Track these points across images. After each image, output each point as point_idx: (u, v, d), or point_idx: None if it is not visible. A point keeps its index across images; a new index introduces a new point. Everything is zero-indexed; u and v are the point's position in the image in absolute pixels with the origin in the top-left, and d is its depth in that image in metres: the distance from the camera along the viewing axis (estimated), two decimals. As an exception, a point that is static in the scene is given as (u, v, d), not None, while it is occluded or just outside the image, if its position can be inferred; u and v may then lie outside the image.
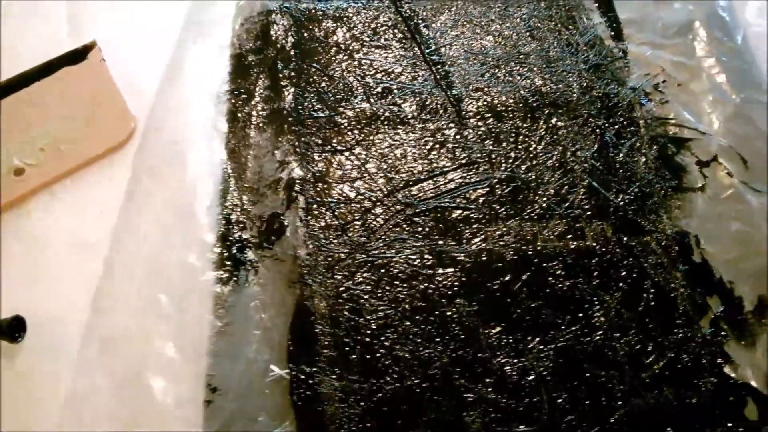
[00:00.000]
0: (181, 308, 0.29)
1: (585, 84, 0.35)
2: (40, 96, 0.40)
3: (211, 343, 0.28)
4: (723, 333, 0.29)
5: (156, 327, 0.29)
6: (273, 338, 0.28)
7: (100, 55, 0.37)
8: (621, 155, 0.33)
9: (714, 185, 0.33)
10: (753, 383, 0.28)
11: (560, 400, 0.27)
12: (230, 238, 0.30)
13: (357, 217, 0.31)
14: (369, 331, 0.28)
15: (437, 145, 0.33)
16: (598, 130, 0.34)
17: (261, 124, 0.33)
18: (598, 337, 0.29)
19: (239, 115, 0.34)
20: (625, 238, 0.31)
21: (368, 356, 0.27)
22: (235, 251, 0.30)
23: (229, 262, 0.30)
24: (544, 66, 0.36)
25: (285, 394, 0.27)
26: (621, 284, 0.30)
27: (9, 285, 0.30)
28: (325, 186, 0.32)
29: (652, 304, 0.29)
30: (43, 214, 0.34)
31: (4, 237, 0.32)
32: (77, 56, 0.38)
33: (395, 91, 0.34)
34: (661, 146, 0.34)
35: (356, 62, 0.35)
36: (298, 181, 0.32)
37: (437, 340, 0.28)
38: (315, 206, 0.31)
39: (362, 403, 0.27)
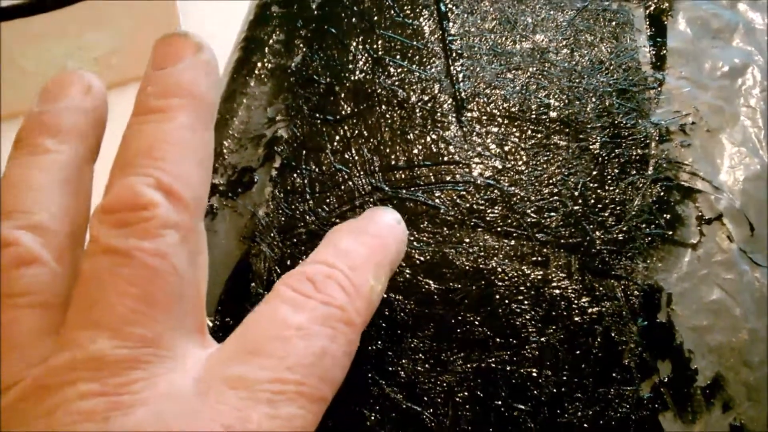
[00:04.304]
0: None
1: (603, 107, 0.33)
2: (102, 6, 0.42)
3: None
4: (663, 402, 0.27)
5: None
6: (208, 284, 0.29)
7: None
8: (617, 190, 0.31)
9: (708, 246, 0.30)
10: (674, 462, 0.26)
11: (465, 418, 0.27)
12: (200, 180, 0.31)
13: (325, 190, 0.31)
14: (298, 302, 0.28)
15: (427, 137, 0.32)
16: (600, 159, 0.32)
17: (263, 76, 0.34)
18: (524, 369, 0.27)
19: (246, 63, 0.34)
20: (589, 277, 0.29)
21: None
22: (200, 194, 0.31)
23: (189, 203, 0.31)
24: (566, 80, 0.34)
25: (205, 340, 0.28)
26: (568, 322, 0.28)
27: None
28: (304, 152, 0.32)
29: (595, 351, 0.28)
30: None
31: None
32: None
33: (403, 73, 0.34)
34: (665, 191, 0.31)
35: (375, 35, 0.34)
36: (281, 142, 0.32)
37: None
38: (288, 170, 0.31)
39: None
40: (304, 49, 0.34)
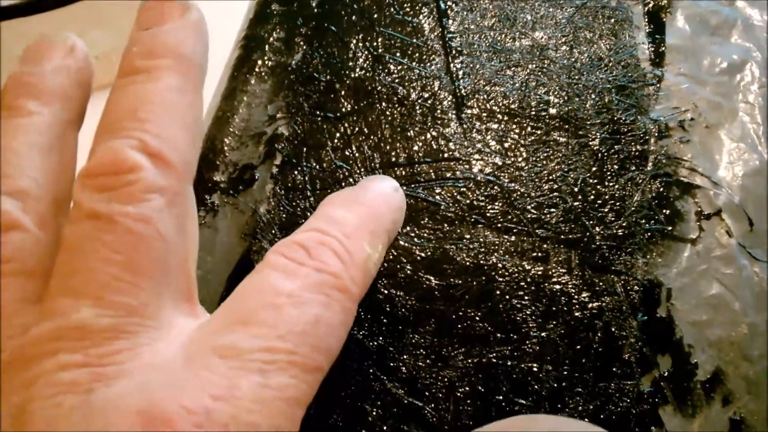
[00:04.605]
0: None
1: (602, 104, 0.33)
2: (103, 5, 0.42)
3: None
4: (663, 396, 0.27)
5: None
6: (210, 281, 0.29)
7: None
8: (616, 186, 0.31)
9: (708, 241, 0.30)
10: (674, 455, 0.26)
11: (466, 413, 0.27)
12: (201, 176, 0.31)
13: (325, 186, 0.31)
14: (299, 299, 0.28)
15: (427, 134, 0.32)
16: (599, 155, 0.32)
17: (263, 74, 0.34)
18: (525, 364, 0.28)
19: (247, 61, 0.34)
20: (589, 272, 0.29)
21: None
22: (201, 190, 0.31)
23: (191, 200, 0.31)
24: (565, 77, 0.34)
25: (207, 337, 0.28)
26: (568, 317, 0.28)
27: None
28: (305, 149, 0.32)
29: (595, 345, 0.28)
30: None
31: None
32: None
33: (403, 71, 0.34)
34: (664, 186, 0.31)
35: (375, 33, 0.35)
36: (281, 139, 0.32)
37: (364, 323, 0.28)
38: (289, 167, 0.31)
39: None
40: (305, 47, 0.34)
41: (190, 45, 0.19)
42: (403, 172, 0.31)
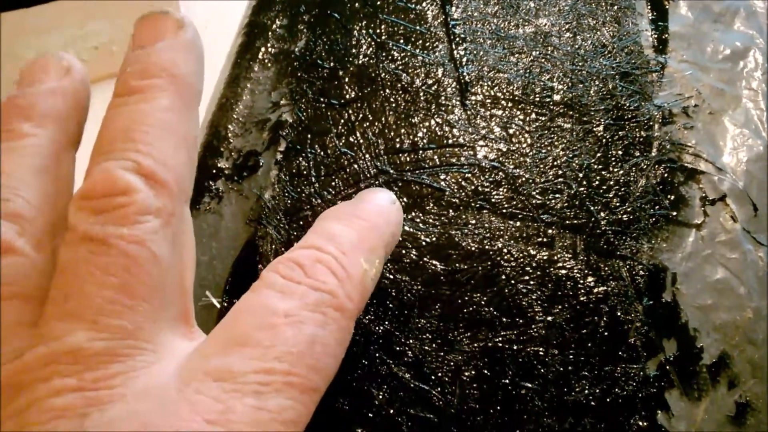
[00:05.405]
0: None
1: (606, 90, 0.33)
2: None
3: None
4: (669, 379, 0.27)
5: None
6: (216, 267, 0.29)
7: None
8: (621, 172, 0.31)
9: (713, 226, 0.30)
10: (680, 437, 0.26)
11: (472, 397, 0.27)
12: (206, 162, 0.31)
13: (330, 173, 0.31)
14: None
15: (431, 120, 0.32)
16: (604, 141, 0.32)
17: (266, 61, 0.34)
18: (531, 348, 0.28)
19: (250, 48, 0.34)
20: (594, 257, 0.29)
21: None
22: (205, 176, 0.31)
23: (195, 185, 0.31)
24: (569, 63, 0.34)
25: (212, 321, 0.28)
26: (574, 302, 0.28)
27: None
28: (309, 136, 0.32)
29: (601, 329, 0.28)
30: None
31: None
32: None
33: (407, 58, 0.34)
34: (669, 172, 0.31)
35: (378, 20, 0.35)
36: (285, 126, 0.32)
37: (370, 308, 0.28)
38: (294, 153, 0.31)
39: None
40: (308, 34, 0.34)
41: (183, 64, 0.19)
42: (408, 158, 0.31)
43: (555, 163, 0.31)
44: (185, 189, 0.18)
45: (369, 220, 0.21)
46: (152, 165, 0.17)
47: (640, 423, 0.27)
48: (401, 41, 0.34)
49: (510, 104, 0.33)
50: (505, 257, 0.29)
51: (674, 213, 0.31)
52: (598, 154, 0.32)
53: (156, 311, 0.16)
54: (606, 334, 0.28)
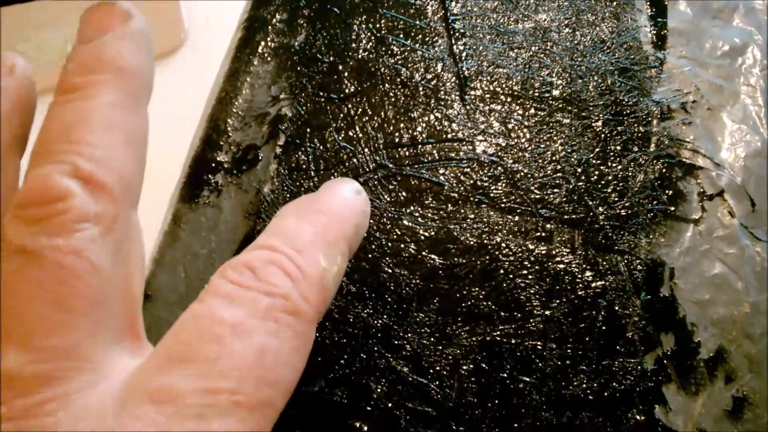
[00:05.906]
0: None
1: (605, 86, 0.33)
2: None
3: (156, 251, 0.29)
4: (666, 374, 0.28)
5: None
6: (214, 260, 0.29)
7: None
8: (619, 167, 0.31)
9: (710, 221, 0.31)
10: None
11: (470, 390, 0.27)
12: (205, 156, 0.31)
13: (329, 167, 0.31)
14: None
15: (430, 115, 0.32)
16: (602, 136, 0.32)
17: (266, 55, 0.34)
18: (529, 342, 0.28)
19: (249, 42, 0.34)
20: (592, 252, 0.29)
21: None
22: (204, 169, 0.31)
23: (194, 178, 0.31)
24: (568, 59, 0.34)
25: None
26: (572, 296, 0.29)
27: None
28: (309, 130, 0.32)
29: (599, 324, 0.28)
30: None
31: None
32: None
33: (406, 52, 0.34)
34: (667, 167, 0.31)
35: (377, 15, 0.35)
36: (285, 120, 0.32)
37: (369, 302, 0.28)
38: (293, 147, 0.31)
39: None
40: (308, 28, 0.34)
41: (130, 56, 0.17)
42: (407, 153, 0.31)
43: (554, 158, 0.31)
44: (131, 191, 0.17)
45: (330, 213, 0.19)
46: (91, 167, 0.15)
47: (638, 417, 0.27)
48: (401, 36, 0.34)
49: (509, 99, 0.33)
50: (504, 251, 0.29)
51: (672, 208, 0.31)
52: (597, 149, 0.32)
53: (96, 325, 0.15)
54: (604, 328, 0.28)
